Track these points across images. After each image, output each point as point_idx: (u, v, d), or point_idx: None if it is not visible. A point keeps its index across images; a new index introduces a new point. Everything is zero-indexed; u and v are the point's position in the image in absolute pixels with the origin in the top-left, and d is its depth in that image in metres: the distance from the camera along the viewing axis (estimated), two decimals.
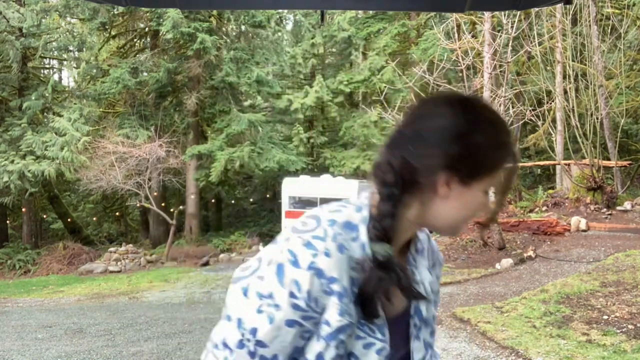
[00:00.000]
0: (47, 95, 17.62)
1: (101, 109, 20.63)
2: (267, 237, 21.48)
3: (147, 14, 19.77)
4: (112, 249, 16.96)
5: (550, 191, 15.94)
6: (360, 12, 22.78)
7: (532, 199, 14.88)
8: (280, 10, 20.42)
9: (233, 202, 25.55)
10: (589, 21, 14.04)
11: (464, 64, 11.64)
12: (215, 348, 0.91)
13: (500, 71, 11.95)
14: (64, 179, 18.28)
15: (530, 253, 10.34)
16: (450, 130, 0.89)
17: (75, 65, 19.66)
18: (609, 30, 13.98)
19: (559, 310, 6.50)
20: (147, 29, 21.22)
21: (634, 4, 16.20)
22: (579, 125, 13.48)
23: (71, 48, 19.57)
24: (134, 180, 16.87)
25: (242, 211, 25.98)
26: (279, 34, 23.16)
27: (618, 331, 5.59)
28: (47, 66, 24.25)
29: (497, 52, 12.61)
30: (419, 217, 0.94)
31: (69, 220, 22.14)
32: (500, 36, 12.11)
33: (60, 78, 26.26)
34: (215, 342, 0.91)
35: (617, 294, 6.86)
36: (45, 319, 8.64)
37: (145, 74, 19.79)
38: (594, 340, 5.40)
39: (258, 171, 20.35)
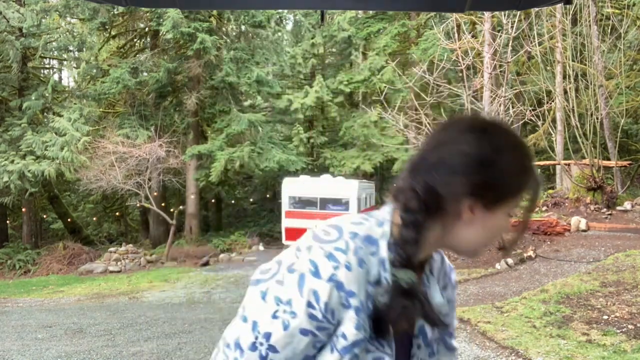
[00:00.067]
0: (47, 95, 17.62)
1: (101, 109, 20.64)
2: (267, 237, 21.52)
3: (147, 14, 19.77)
4: (112, 249, 16.98)
5: (550, 191, 15.92)
6: (360, 12, 22.78)
7: None
8: (280, 10, 20.43)
9: (233, 202, 25.56)
10: (589, 21, 14.02)
11: (464, 64, 11.64)
12: (227, 347, 0.91)
13: (500, 71, 11.96)
14: (64, 179, 18.29)
15: (530, 253, 10.33)
16: (475, 158, 0.90)
17: (75, 65, 19.66)
18: (609, 30, 13.96)
19: (559, 310, 6.50)
20: (147, 29, 21.23)
21: (634, 4, 16.20)
22: (579, 125, 13.47)
23: (71, 48, 19.57)
24: (134, 180, 16.88)
25: (242, 211, 26.00)
26: (279, 34, 23.16)
27: (618, 331, 5.59)
28: (47, 66, 24.25)
29: (497, 52, 12.62)
30: (440, 240, 0.96)
31: (69, 220, 22.15)
32: (500, 36, 12.12)
33: (60, 78, 26.30)
34: (227, 342, 0.92)
35: (617, 294, 6.86)
36: (45, 319, 8.63)
37: (145, 74, 19.80)
38: (594, 340, 5.40)
39: (258, 171, 20.36)
